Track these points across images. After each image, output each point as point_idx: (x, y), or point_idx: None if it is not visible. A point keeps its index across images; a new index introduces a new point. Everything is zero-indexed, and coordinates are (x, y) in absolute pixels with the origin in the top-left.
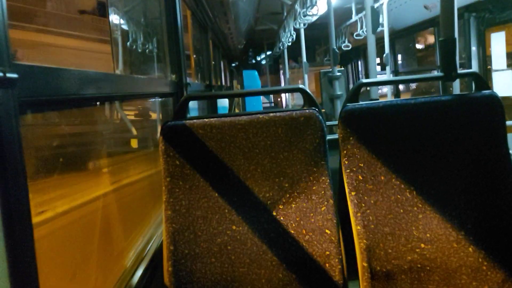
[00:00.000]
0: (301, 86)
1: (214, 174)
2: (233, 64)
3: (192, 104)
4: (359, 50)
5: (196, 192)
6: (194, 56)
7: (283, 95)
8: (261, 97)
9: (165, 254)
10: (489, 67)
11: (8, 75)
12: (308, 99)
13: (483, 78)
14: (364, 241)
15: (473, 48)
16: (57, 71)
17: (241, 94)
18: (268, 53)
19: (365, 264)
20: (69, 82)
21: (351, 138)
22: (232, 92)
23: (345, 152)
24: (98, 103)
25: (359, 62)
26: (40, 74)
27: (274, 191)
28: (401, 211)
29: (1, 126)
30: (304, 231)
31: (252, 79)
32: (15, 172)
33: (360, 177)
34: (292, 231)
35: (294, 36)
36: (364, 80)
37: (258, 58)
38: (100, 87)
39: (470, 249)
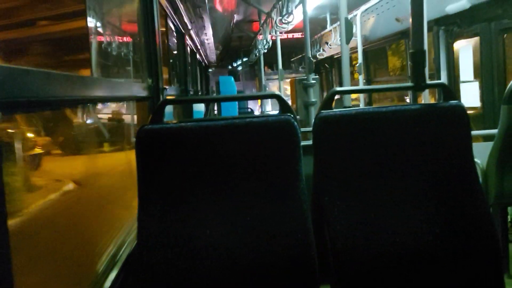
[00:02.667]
0: (276, 92)
1: (190, 179)
2: (210, 70)
3: (168, 109)
4: (333, 59)
5: (171, 196)
6: (171, 60)
7: (259, 102)
8: (237, 103)
9: (139, 258)
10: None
11: None
12: (283, 106)
13: (450, 89)
14: (337, 245)
15: (442, 60)
16: (36, 73)
17: (218, 99)
18: (245, 59)
19: (338, 268)
20: (46, 84)
21: (324, 144)
22: (208, 97)
23: (318, 157)
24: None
25: (333, 71)
26: (18, 76)
27: (249, 196)
28: (373, 215)
29: None
30: (278, 236)
31: (228, 85)
32: None
33: (333, 182)
34: (266, 236)
35: (270, 43)
36: (338, 88)
37: (235, 64)
38: (78, 89)
39: (439, 252)
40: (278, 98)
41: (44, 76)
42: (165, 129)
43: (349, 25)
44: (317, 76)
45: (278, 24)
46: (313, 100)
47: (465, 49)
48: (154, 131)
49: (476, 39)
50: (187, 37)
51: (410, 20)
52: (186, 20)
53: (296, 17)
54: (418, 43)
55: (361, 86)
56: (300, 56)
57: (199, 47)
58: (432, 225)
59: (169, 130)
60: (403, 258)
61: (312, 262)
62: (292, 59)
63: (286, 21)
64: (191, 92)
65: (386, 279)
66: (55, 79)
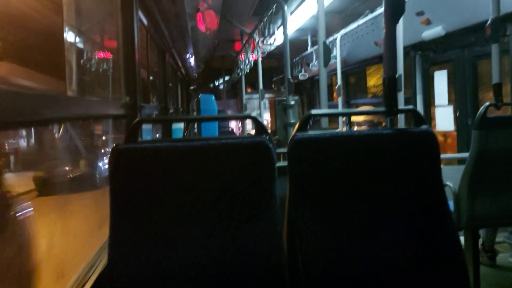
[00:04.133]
0: (252, 114)
1: (163, 200)
2: (191, 87)
3: (147, 125)
4: (314, 80)
5: (143, 217)
6: (151, 78)
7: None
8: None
9: (109, 280)
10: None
11: None
12: (259, 127)
13: (421, 114)
14: (308, 267)
15: (418, 84)
16: (4, 93)
17: (195, 120)
18: (226, 78)
19: None
20: (17, 104)
21: (298, 166)
22: (186, 117)
23: (293, 180)
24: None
25: (315, 92)
26: None
27: (223, 217)
28: (345, 238)
29: None
30: (251, 258)
31: (209, 103)
32: None
33: (306, 204)
34: (239, 258)
35: (252, 63)
36: (313, 111)
37: (216, 83)
38: (51, 108)
39: (408, 277)
40: (254, 119)
41: (13, 96)
42: (140, 149)
43: (327, 49)
44: (296, 97)
45: (260, 45)
46: (292, 121)
47: (440, 74)
48: (128, 151)
49: (450, 65)
50: (168, 54)
51: (383, 47)
52: (167, 38)
53: (278, 38)
54: (391, 69)
55: (337, 109)
56: (282, 75)
57: (180, 65)
58: (403, 249)
59: (143, 150)
60: (373, 281)
61: (284, 284)
62: (274, 79)
63: (268, 42)
64: (171, 110)
65: None
66: (26, 98)
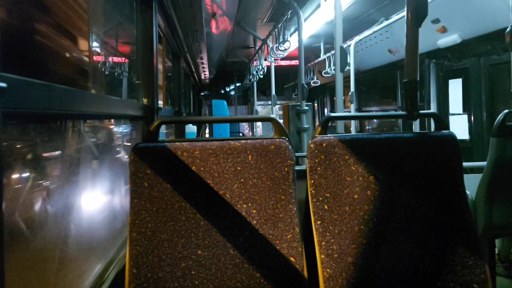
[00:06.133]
0: (272, 116)
1: (182, 198)
2: (203, 93)
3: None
4: (325, 87)
5: (163, 215)
6: (166, 82)
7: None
8: (229, 127)
9: (127, 277)
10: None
11: None
12: (278, 129)
13: (442, 119)
14: (328, 270)
15: (432, 92)
16: (38, 85)
17: (212, 121)
18: (238, 84)
19: None
20: (47, 96)
21: (318, 168)
22: (203, 118)
23: (312, 181)
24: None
25: (326, 98)
26: (27, 87)
27: (241, 217)
28: (364, 241)
29: None
30: (269, 258)
31: (220, 109)
32: None
33: (325, 206)
34: (257, 258)
35: (266, 69)
36: (332, 114)
37: (228, 89)
38: (77, 103)
39: (428, 280)
40: (274, 121)
41: (45, 88)
42: (160, 147)
43: (344, 53)
44: (310, 103)
45: (274, 51)
46: (306, 126)
47: (455, 83)
48: (149, 149)
49: (465, 73)
50: (182, 59)
51: (405, 51)
52: (182, 42)
53: (292, 45)
54: (412, 73)
55: (354, 112)
56: (293, 83)
57: (193, 70)
58: (422, 252)
59: (163, 149)
60: (392, 285)
61: (303, 286)
62: (285, 86)
63: (282, 48)
64: (184, 114)
65: None
66: (56, 91)
